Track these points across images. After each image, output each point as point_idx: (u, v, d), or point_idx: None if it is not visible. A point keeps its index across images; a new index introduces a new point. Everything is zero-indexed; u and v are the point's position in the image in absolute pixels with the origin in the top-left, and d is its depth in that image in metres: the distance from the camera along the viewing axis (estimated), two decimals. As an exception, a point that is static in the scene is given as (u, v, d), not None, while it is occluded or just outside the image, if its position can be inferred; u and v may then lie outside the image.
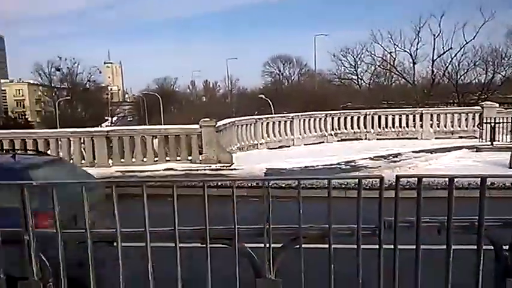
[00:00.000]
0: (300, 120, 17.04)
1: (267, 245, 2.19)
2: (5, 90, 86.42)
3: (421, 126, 17.66)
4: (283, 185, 9.53)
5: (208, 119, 12.06)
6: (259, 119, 16.23)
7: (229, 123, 14.16)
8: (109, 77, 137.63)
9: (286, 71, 71.60)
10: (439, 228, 2.23)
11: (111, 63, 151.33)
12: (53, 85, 75.25)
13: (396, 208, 2.18)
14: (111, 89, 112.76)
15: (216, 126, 12.18)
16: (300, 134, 16.89)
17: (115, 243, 2.15)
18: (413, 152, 13.17)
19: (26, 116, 78.75)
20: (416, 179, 2.26)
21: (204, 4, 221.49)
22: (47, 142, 11.86)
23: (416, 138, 17.33)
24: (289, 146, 16.35)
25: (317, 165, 11.64)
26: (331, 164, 11.58)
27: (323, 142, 17.09)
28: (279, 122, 16.63)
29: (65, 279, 2.16)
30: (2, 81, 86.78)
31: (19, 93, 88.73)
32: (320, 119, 17.68)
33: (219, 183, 9.90)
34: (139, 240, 2.19)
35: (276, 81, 69.40)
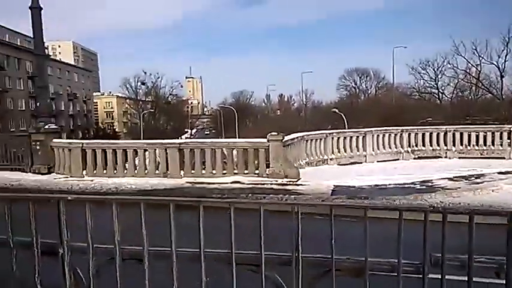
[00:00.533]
0: (373, 135, 16.39)
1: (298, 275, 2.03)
2: (96, 102, 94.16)
3: (509, 144, 16.11)
4: (349, 204, 9.24)
5: (275, 133, 12.01)
6: (329, 133, 15.88)
7: (297, 137, 13.99)
8: (190, 91, 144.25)
9: (362, 85, 69.95)
10: (497, 271, 1.91)
11: (192, 77, 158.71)
12: (138, 98, 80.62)
13: (443, 245, 1.91)
14: (191, 103, 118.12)
15: (284, 140, 12.08)
16: (373, 150, 16.23)
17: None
18: (499, 172, 11.99)
19: (114, 127, 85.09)
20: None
21: (280, 18, 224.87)
22: (125, 152, 12.56)
23: (504, 157, 15.83)
24: (361, 163, 15.77)
25: (389, 184, 11.02)
26: (405, 184, 10.90)
27: (398, 159, 16.25)
28: (351, 137, 16.13)
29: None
30: (94, 94, 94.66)
31: (109, 105, 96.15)
32: (396, 134, 16.86)
33: (284, 199, 10.00)
34: (166, 259, 2.14)
35: (352, 95, 67.99)
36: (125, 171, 12.33)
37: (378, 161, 15.82)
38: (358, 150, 16.04)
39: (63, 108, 73.39)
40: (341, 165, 15.19)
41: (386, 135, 16.60)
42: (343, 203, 9.02)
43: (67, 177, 12.45)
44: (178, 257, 2.14)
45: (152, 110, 74.74)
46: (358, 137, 16.19)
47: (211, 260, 2.13)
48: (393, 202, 8.59)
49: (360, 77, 69.59)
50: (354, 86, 70.06)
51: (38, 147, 13.21)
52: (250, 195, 10.04)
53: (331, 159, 15.42)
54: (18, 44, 58.30)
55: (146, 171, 12.28)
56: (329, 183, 11.00)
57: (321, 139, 15.37)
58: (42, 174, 12.84)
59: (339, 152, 15.75)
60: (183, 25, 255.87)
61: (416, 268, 2.03)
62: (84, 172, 12.54)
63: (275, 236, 2.34)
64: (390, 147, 16.54)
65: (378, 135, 16.48)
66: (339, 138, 15.88)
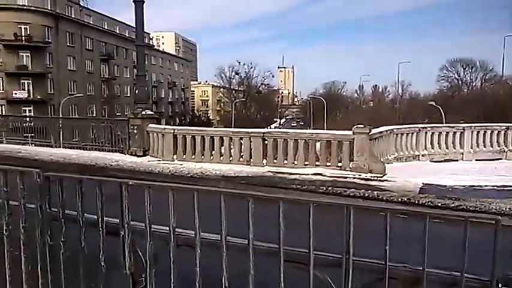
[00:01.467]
0: (472, 131, 15.02)
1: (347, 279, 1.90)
2: (193, 90, 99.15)
3: None
4: (439, 204, 8.60)
5: (361, 126, 11.56)
6: (422, 128, 14.88)
7: (386, 131, 13.33)
8: (281, 81, 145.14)
9: (466, 76, 64.34)
10: None
11: (284, 67, 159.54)
12: (232, 87, 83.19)
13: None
14: (282, 92, 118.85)
15: (370, 133, 11.58)
16: (472, 148, 14.89)
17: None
18: None
19: (208, 114, 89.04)
20: None
21: (377, 7, 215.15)
22: (212, 139, 13.03)
23: None
24: (456, 160, 14.58)
25: (486, 186, 10.05)
26: (505, 186, 9.84)
27: (500, 159, 14.71)
28: (447, 132, 14.96)
29: (152, 276, 2.29)
30: (192, 83, 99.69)
31: (204, 93, 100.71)
32: (499, 131, 15.28)
33: (367, 194, 9.62)
34: (216, 248, 2.15)
35: (453, 87, 62.91)
36: (211, 157, 12.80)
37: (476, 160, 14.49)
38: (454, 147, 14.84)
39: (163, 96, 78.50)
40: (434, 162, 14.19)
41: (488, 132, 15.11)
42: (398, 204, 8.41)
43: (159, 160, 13.29)
44: (230, 248, 2.14)
45: (244, 99, 76.67)
46: (455, 132, 14.96)
47: (260, 253, 2.09)
48: (488, 205, 7.80)
49: (464, 68, 64.10)
50: (456, 77, 64.81)
51: (135, 131, 14.26)
52: (330, 188, 9.84)
53: (423, 155, 14.48)
54: (127, 35, 63.19)
55: (231, 158, 12.63)
56: (417, 181, 10.34)
57: (412, 133, 14.48)
58: (138, 156, 13.85)
59: (432, 148, 14.72)
60: (278, 16, 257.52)
61: (482, 285, 1.79)
62: (175, 156, 13.26)
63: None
64: (492, 146, 15.04)
65: (478, 132, 15.07)
66: (433, 133, 14.82)
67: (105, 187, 2.47)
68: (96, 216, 2.42)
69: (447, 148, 14.80)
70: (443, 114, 32.79)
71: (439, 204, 8.28)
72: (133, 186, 2.37)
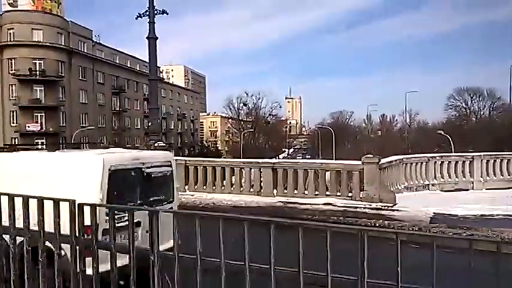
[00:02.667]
0: (482, 160, 15.09)
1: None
2: (202, 122, 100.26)
3: None
4: (450, 234, 8.60)
5: (371, 156, 11.72)
6: (431, 157, 14.97)
7: (396, 160, 13.45)
8: (289, 111, 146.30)
9: (474, 105, 64.36)
10: None
11: (292, 98, 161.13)
12: (240, 118, 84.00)
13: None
14: (290, 123, 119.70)
15: (380, 163, 11.72)
16: (482, 177, 14.91)
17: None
18: None
19: (217, 145, 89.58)
20: None
21: (384, 36, 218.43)
22: (223, 170, 13.23)
23: None
24: (467, 190, 14.57)
25: (497, 215, 10.06)
26: (517, 215, 9.85)
27: (511, 188, 14.68)
28: (456, 161, 15.03)
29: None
30: (201, 114, 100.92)
31: (213, 124, 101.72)
32: (509, 160, 15.33)
33: (378, 224, 9.64)
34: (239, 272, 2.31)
35: (461, 116, 62.88)
36: (222, 187, 12.97)
37: (486, 189, 14.47)
38: (464, 176, 14.87)
39: (172, 127, 79.40)
40: (444, 192, 14.19)
41: (498, 160, 15.17)
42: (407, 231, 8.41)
43: (171, 191, 13.46)
44: (251, 273, 2.30)
45: (252, 130, 77.26)
46: (464, 161, 15.03)
47: (282, 278, 2.25)
48: (500, 235, 7.82)
49: (472, 97, 64.17)
50: (464, 106, 64.81)
51: (147, 163, 14.51)
52: (341, 218, 9.91)
53: (433, 184, 14.53)
54: (138, 69, 64.72)
55: (241, 188, 12.79)
56: (428, 210, 10.39)
57: (422, 163, 14.58)
58: (150, 187, 14.03)
59: (442, 177, 14.77)
60: (285, 47, 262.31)
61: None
62: (186, 187, 13.44)
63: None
64: (502, 174, 15.05)
65: (487, 161, 15.13)
66: (442, 162, 14.91)
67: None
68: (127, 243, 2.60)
69: (457, 177, 14.83)
70: (452, 143, 32.79)
71: (450, 234, 8.31)
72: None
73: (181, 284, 2.48)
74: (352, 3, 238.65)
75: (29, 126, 46.57)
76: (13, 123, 47.53)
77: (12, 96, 47.53)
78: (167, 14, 15.47)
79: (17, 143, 43.67)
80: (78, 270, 2.66)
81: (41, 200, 2.86)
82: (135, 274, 2.51)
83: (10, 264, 2.95)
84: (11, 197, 2.96)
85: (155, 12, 15.18)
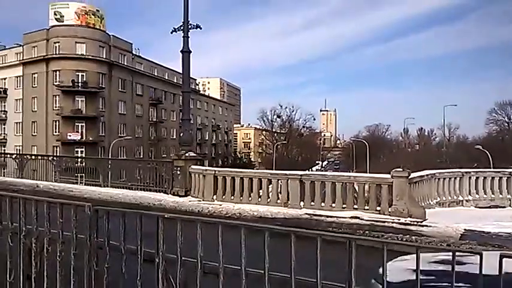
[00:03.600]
0: (520, 177, 14.47)
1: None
2: (236, 133, 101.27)
3: None
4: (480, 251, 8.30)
5: (400, 170, 11.48)
6: (466, 172, 14.50)
7: (427, 175, 13.12)
8: (323, 124, 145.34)
9: (517, 119, 61.68)
10: None
11: (327, 110, 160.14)
12: (273, 130, 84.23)
13: None
14: (324, 135, 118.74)
15: (410, 177, 11.46)
16: (520, 194, 14.29)
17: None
18: None
19: (250, 157, 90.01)
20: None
21: (421, 49, 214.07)
22: (251, 181, 13.34)
23: None
24: (504, 207, 13.98)
25: (533, 233, 9.60)
26: (554, 234, 9.37)
27: (552, 206, 14.00)
28: (492, 177, 14.49)
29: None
30: (235, 125, 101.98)
31: (247, 136, 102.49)
32: (550, 177, 14.61)
33: (405, 239, 9.44)
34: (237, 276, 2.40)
35: (503, 131, 60.42)
36: (250, 198, 13.06)
37: (525, 207, 13.85)
38: (500, 193, 14.30)
39: (207, 138, 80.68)
40: (478, 208, 13.68)
41: (538, 177, 14.49)
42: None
43: (200, 201, 13.70)
44: (248, 277, 2.39)
45: (285, 142, 77.20)
46: (501, 178, 14.46)
47: (276, 285, 2.32)
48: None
49: (515, 111, 61.68)
50: (506, 120, 62.32)
51: (178, 172, 14.85)
52: (368, 232, 9.76)
53: (467, 200, 14.04)
54: (175, 81, 66.42)
55: (268, 199, 12.82)
56: (459, 227, 10.03)
57: (455, 178, 14.14)
58: (180, 196, 14.35)
59: (477, 193, 14.26)
60: (321, 60, 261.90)
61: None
62: (215, 197, 13.63)
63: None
64: (542, 192, 14.37)
65: (527, 177, 14.49)
66: (477, 178, 14.41)
67: (146, 224, 2.82)
68: (135, 246, 2.75)
69: (493, 194, 14.28)
70: (491, 159, 31.55)
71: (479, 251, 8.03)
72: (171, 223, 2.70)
73: (183, 286, 2.59)
74: (389, 16, 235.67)
75: (70, 136, 48.61)
76: (55, 132, 49.76)
77: (55, 107, 49.88)
78: (201, 28, 15.88)
79: (58, 152, 45.71)
80: (89, 269, 2.83)
81: (61, 204, 3.07)
82: (141, 276, 2.64)
83: (32, 262, 3.16)
84: (35, 200, 3.19)
85: (189, 27, 15.64)
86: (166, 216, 2.63)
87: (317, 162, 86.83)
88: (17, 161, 20.21)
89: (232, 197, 13.36)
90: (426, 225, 10.39)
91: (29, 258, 3.19)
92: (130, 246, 2.80)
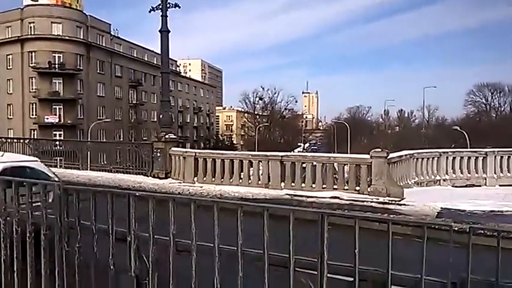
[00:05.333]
0: (495, 156, 14.80)
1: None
2: (218, 116, 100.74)
3: None
4: (456, 228, 8.50)
5: (379, 150, 11.62)
6: (443, 152, 14.76)
7: (406, 155, 13.32)
8: (305, 106, 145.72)
9: (494, 101, 62.93)
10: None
11: (308, 92, 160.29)
12: (255, 112, 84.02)
13: (469, 264, 1.81)
14: (306, 117, 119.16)
15: (389, 157, 11.61)
16: (495, 173, 14.64)
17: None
18: None
19: (232, 139, 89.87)
20: None
21: (402, 32, 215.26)
22: (231, 162, 13.32)
23: None
24: (479, 186, 14.35)
25: (507, 211, 9.88)
26: (527, 211, 9.66)
27: (525, 184, 14.40)
28: (469, 157, 14.79)
29: (155, 278, 2.52)
30: (217, 108, 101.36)
31: (229, 118, 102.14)
32: (524, 156, 15.00)
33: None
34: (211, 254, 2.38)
35: (481, 112, 61.63)
36: (231, 180, 13.06)
37: (500, 185, 14.22)
38: (476, 172, 14.63)
39: (188, 121, 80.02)
40: (456, 187, 14.00)
41: (513, 156, 14.86)
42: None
43: (180, 183, 13.64)
44: (222, 254, 2.37)
45: (267, 124, 77.23)
46: (477, 157, 14.78)
47: (249, 260, 2.31)
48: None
49: (492, 93, 62.84)
50: (484, 102, 63.52)
51: (158, 154, 14.72)
52: (347, 211, 9.88)
53: (444, 180, 14.34)
54: (155, 62, 65.26)
55: (250, 181, 12.85)
56: (435, 205, 10.25)
57: (433, 158, 14.39)
58: (160, 178, 14.25)
59: (454, 173, 14.57)
60: (303, 42, 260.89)
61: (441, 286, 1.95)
62: (196, 179, 13.59)
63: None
64: (516, 171, 14.76)
65: (501, 157, 14.84)
66: (454, 158, 14.69)
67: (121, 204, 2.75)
68: (107, 225, 2.69)
69: (469, 173, 14.61)
70: (468, 139, 32.22)
71: (456, 229, 8.22)
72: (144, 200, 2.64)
73: (156, 264, 2.56)
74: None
75: (47, 118, 47.57)
76: (32, 115, 48.60)
77: (32, 89, 48.59)
78: (179, 7, 15.55)
79: (35, 135, 44.73)
80: (60, 249, 2.77)
81: (29, 184, 2.98)
82: (113, 255, 2.59)
83: (1, 244, 3.07)
84: (2, 181, 3.08)
85: (167, 5, 15.29)
86: (137, 194, 2.57)
87: (299, 144, 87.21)
88: (-8, 144, 19.67)
89: (213, 179, 13.34)
90: (404, 204, 10.59)
91: (-2, 241, 3.10)
92: (101, 226, 2.74)
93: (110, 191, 2.69)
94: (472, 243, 2.34)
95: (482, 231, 8.04)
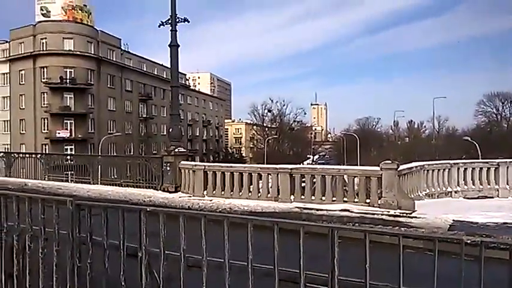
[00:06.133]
0: (508, 167, 14.62)
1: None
2: (227, 128, 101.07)
3: None
4: (468, 241, 8.38)
5: (389, 162, 11.55)
6: (454, 163, 14.62)
7: (416, 166, 13.22)
8: (314, 118, 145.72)
9: (505, 111, 62.29)
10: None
11: (317, 104, 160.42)
12: (264, 125, 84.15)
13: (481, 278, 1.79)
14: (315, 129, 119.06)
15: (399, 169, 11.53)
16: (508, 184, 14.44)
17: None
18: None
19: (241, 152, 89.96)
20: None
21: (411, 41, 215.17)
22: (241, 175, 13.32)
23: None
24: (491, 197, 14.15)
25: (520, 223, 9.73)
26: (541, 223, 9.50)
27: (539, 195, 14.18)
28: (480, 168, 14.64)
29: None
30: (226, 120, 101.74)
31: (238, 131, 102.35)
32: (537, 167, 14.79)
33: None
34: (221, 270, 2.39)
35: (491, 122, 61.01)
36: (240, 193, 13.05)
37: (512, 196, 14.03)
38: (488, 184, 14.45)
39: (198, 134, 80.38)
40: (467, 199, 13.83)
41: (525, 167, 14.66)
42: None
43: (190, 196, 13.66)
44: (232, 269, 2.37)
45: (276, 136, 77.26)
46: (489, 168, 14.61)
47: (260, 275, 2.31)
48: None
49: (503, 102, 62.27)
50: (495, 112, 62.93)
51: (168, 168, 14.78)
52: (357, 224, 9.80)
53: (455, 191, 14.18)
54: (164, 76, 65.96)
55: (259, 194, 12.82)
56: (447, 218, 10.11)
57: (444, 169, 14.26)
58: (170, 192, 14.29)
59: (465, 184, 14.40)
60: (311, 54, 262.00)
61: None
62: (205, 192, 13.60)
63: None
64: (530, 182, 14.54)
65: (514, 167, 14.66)
66: (465, 169, 14.54)
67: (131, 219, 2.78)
68: (118, 241, 2.71)
69: (481, 184, 14.44)
70: (479, 150, 31.88)
71: (468, 242, 8.11)
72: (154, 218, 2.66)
73: (167, 280, 2.57)
74: (379, 8, 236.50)
75: (59, 133, 48.12)
76: (44, 130, 49.22)
77: (43, 104, 49.30)
78: (188, 22, 15.75)
79: (47, 150, 45.24)
80: (72, 265, 2.79)
81: (42, 199, 3.02)
82: (124, 270, 2.62)
83: (14, 260, 3.10)
84: (16, 197, 3.13)
85: (177, 20, 15.51)
86: (148, 209, 2.60)
87: (308, 156, 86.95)
88: (4, 159, 19.94)
89: (223, 192, 13.34)
90: (415, 217, 10.47)
91: (11, 256, 3.14)
92: (113, 241, 2.76)
93: (121, 206, 2.72)
94: (484, 257, 2.32)
95: (495, 245, 7.94)
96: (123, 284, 2.66)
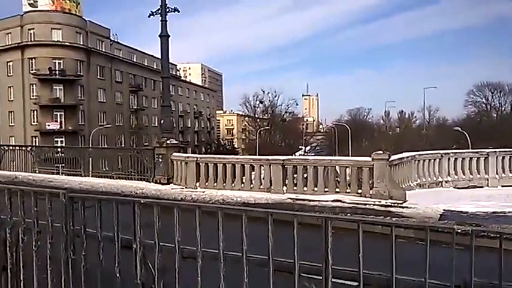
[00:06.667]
0: (497, 157, 14.81)
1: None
2: (219, 120, 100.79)
3: None
4: (458, 231, 8.48)
5: (380, 152, 11.63)
6: (445, 153, 14.77)
7: (407, 157, 13.32)
8: (306, 109, 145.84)
9: (494, 101, 62.86)
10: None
11: (309, 95, 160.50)
12: (256, 116, 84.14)
13: (472, 267, 1.83)
14: (306, 120, 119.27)
15: (390, 160, 11.62)
16: (497, 174, 14.64)
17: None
18: None
19: (233, 143, 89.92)
20: None
21: (402, 31, 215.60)
22: (233, 167, 13.33)
23: None
24: (481, 187, 14.34)
25: (509, 212, 9.87)
26: (530, 212, 9.66)
27: (528, 185, 14.40)
28: (470, 158, 14.80)
29: (161, 285, 2.53)
30: (217, 112, 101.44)
31: (230, 122, 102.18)
32: (526, 156, 15.00)
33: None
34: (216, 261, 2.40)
35: (481, 112, 61.58)
36: (233, 184, 13.07)
37: (502, 186, 14.22)
38: (478, 173, 14.63)
39: (189, 125, 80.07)
40: (458, 189, 14.00)
41: (515, 157, 14.86)
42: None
43: (182, 188, 13.64)
44: (227, 260, 2.39)
45: (268, 127, 77.33)
46: (479, 158, 14.78)
47: (254, 265, 2.33)
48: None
49: (492, 92, 62.75)
50: (484, 102, 63.46)
51: (160, 160, 14.73)
52: (349, 214, 9.88)
53: (446, 181, 14.33)
54: (155, 67, 65.42)
55: (252, 185, 12.85)
56: (438, 207, 10.25)
57: (435, 159, 14.39)
58: (162, 184, 14.26)
59: (455, 174, 14.57)
60: (302, 44, 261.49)
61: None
62: (198, 184, 13.60)
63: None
64: (519, 171, 14.75)
65: (503, 157, 14.84)
66: (456, 159, 14.70)
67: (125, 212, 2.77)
68: (112, 233, 2.71)
69: (471, 174, 14.61)
70: (469, 140, 32.20)
71: (459, 231, 8.21)
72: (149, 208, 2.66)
73: (161, 271, 2.58)
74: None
75: (48, 125, 47.64)
76: (33, 122, 48.68)
77: (32, 96, 48.69)
78: (179, 11, 15.61)
79: (37, 142, 44.81)
80: (66, 257, 2.78)
81: (34, 192, 3.00)
82: (119, 262, 2.61)
83: (7, 253, 3.09)
84: (8, 189, 3.11)
85: (167, 10, 15.35)
86: (142, 201, 2.60)
87: (300, 147, 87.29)
88: (-7, 152, 19.71)
89: (215, 184, 13.35)
90: (406, 207, 10.57)
91: (4, 249, 3.12)
92: (107, 234, 2.76)
93: (115, 198, 2.71)
94: (475, 245, 2.36)
95: (485, 233, 8.07)
96: (117, 275, 2.66)
